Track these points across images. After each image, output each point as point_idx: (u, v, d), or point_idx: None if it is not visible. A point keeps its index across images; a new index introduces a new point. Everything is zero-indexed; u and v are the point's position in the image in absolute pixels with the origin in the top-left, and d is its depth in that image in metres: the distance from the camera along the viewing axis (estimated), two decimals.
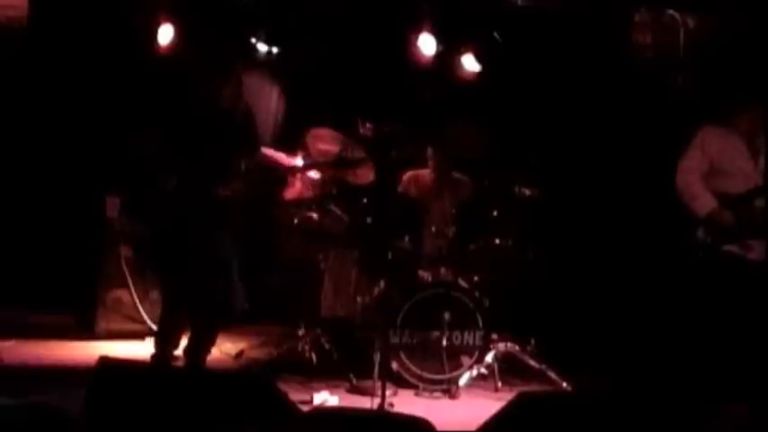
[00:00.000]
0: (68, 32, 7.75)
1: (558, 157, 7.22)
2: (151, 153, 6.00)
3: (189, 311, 6.15)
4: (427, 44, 7.25)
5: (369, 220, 6.48)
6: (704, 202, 5.88)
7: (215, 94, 6.03)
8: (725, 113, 6.00)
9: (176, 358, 6.19)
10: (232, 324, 6.94)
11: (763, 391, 5.43)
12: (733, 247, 5.85)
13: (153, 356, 6.12)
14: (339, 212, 6.64)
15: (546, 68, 7.42)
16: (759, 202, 5.87)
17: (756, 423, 5.00)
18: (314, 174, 6.81)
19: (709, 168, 5.93)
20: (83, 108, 7.87)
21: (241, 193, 6.07)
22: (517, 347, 6.44)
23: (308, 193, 6.90)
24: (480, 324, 6.24)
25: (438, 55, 7.33)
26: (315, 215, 6.74)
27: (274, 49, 7.72)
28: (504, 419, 4.03)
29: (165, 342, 6.13)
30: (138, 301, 7.21)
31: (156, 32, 7.18)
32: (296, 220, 6.84)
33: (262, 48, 7.67)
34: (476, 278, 6.53)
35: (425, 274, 6.52)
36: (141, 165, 6.12)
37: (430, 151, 7.08)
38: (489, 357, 6.30)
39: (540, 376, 6.33)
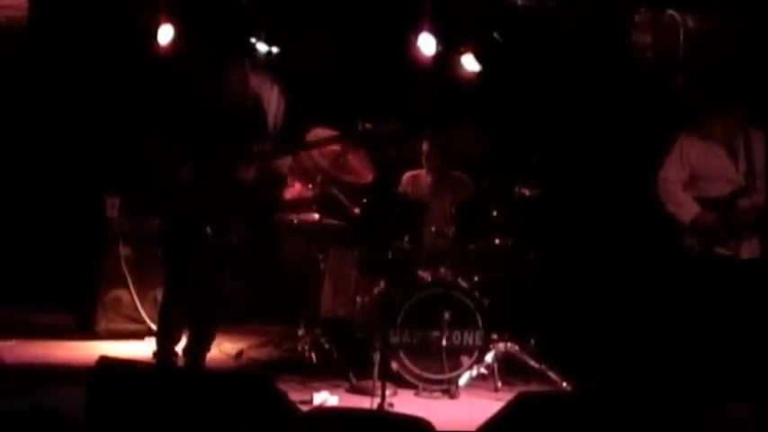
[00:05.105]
0: (68, 32, 7.75)
1: (557, 157, 7.21)
2: (163, 148, 5.97)
3: (190, 307, 6.14)
4: (427, 44, 7.25)
5: (369, 220, 6.48)
6: (687, 209, 5.91)
7: (222, 81, 6.02)
8: (699, 120, 6.01)
9: (176, 355, 6.19)
10: (231, 321, 6.93)
11: (764, 389, 5.43)
12: (722, 249, 5.85)
13: (155, 354, 6.12)
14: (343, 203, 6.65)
15: (546, 68, 7.42)
16: (744, 203, 5.88)
17: (757, 422, 5.00)
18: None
19: (690, 176, 5.96)
20: (83, 108, 7.88)
21: (251, 178, 6.06)
22: (517, 347, 6.44)
23: (308, 193, 6.90)
24: (480, 324, 6.24)
25: (438, 55, 7.33)
26: (315, 215, 6.74)
27: (274, 49, 7.72)
28: (504, 419, 4.03)
29: (165, 338, 6.12)
30: (138, 301, 7.21)
31: (156, 32, 7.17)
32: (296, 221, 6.85)
33: (262, 48, 7.67)
34: (476, 278, 6.53)
35: (425, 274, 6.52)
36: (152, 161, 6.08)
37: (424, 150, 7.09)
38: (489, 357, 6.29)
39: (540, 376, 6.33)
